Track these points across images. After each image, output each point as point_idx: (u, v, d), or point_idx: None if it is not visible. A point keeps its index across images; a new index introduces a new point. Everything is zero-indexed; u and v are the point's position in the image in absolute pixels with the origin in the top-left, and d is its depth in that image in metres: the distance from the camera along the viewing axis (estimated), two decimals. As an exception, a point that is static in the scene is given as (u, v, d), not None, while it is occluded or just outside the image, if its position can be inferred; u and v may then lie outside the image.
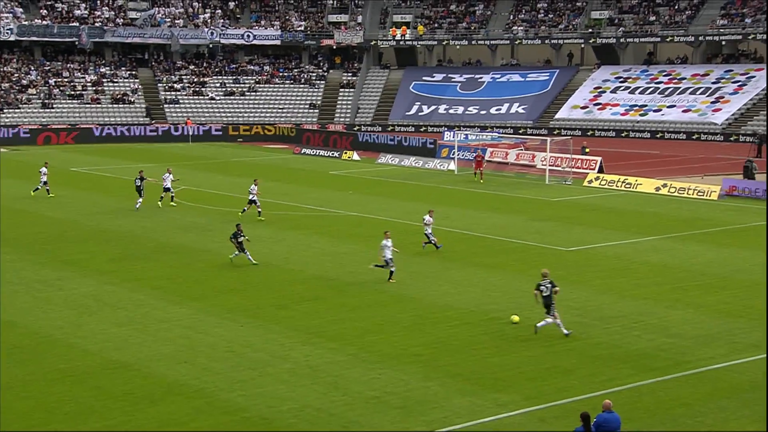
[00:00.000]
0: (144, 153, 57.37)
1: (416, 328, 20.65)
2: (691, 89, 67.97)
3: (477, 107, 72.91)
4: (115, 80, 74.42)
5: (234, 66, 79.14)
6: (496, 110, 72.29)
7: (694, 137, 63.38)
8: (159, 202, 36.90)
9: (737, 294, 23.48)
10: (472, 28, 78.29)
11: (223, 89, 76.16)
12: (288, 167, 51.80)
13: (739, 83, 66.78)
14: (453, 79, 76.78)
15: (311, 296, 23.43)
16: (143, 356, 18.71)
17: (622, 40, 72.81)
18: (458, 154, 51.77)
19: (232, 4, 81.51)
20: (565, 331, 19.82)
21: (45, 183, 39.18)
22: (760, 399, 16.38)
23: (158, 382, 17.22)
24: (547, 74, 75.03)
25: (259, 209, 34.41)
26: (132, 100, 72.94)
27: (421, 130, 71.17)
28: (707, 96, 66.68)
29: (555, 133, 66.00)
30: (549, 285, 19.75)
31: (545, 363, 18.27)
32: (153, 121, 70.25)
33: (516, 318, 20.81)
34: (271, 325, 20.94)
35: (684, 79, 69.61)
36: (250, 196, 34.42)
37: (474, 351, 19.03)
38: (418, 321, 21.23)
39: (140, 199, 36.31)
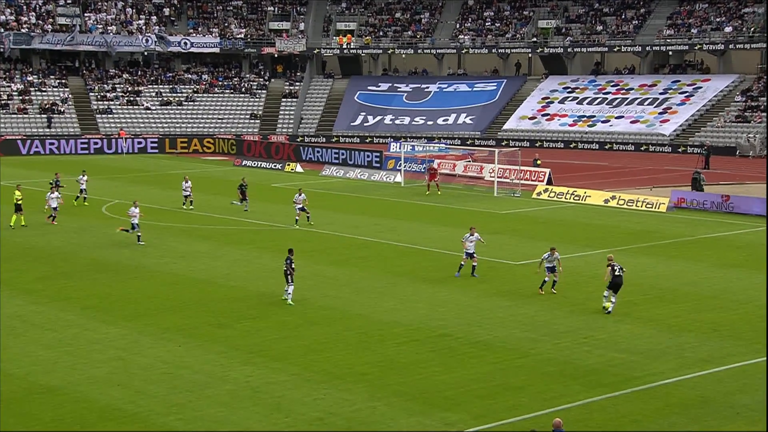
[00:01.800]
0: (76, 165, 56.30)
1: (362, 346, 20.62)
2: (639, 100, 69.49)
3: (423, 117, 73.40)
4: (44, 89, 73.01)
5: (170, 75, 78.37)
6: (443, 121, 72.88)
7: (642, 148, 64.76)
8: (74, 201, 38.57)
9: (686, 307, 23.99)
10: (418, 36, 78.95)
11: (159, 99, 75.33)
12: (228, 180, 51.38)
13: (687, 94, 68.53)
14: (399, 89, 77.22)
15: (252, 314, 23.23)
16: (73, 380, 18.31)
17: (569, 49, 74.17)
18: (405, 166, 52.02)
19: (167, 10, 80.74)
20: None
21: None
22: (710, 414, 16.74)
23: (90, 407, 16.86)
24: (495, 84, 75.99)
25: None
26: (62, 109, 71.63)
27: (367, 141, 71.34)
28: (655, 107, 68.25)
29: (503, 144, 66.79)
30: (619, 268, 23.05)
31: (494, 380, 18.40)
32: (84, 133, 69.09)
33: (608, 305, 22.90)
34: (210, 344, 20.69)
35: (632, 89, 71.15)
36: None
37: (421, 369, 19.07)
38: (363, 338, 21.20)
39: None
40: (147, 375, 18.60)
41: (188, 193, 39.73)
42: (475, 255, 27.26)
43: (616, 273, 23.29)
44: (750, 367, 19.24)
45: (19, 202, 34.91)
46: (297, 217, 35.97)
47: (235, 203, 39.40)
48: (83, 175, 40.50)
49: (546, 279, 25.39)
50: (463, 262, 27.28)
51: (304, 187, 43.56)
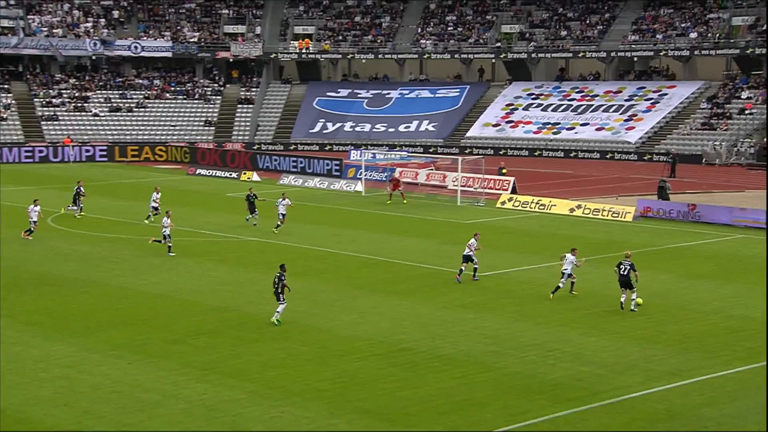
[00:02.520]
0: (19, 175, 55.48)
1: (321, 362, 20.57)
2: (604, 107, 70.40)
3: (385, 125, 73.60)
4: (-15, 94, 71.96)
5: (120, 80, 77.65)
6: (405, 128, 73.15)
7: (608, 156, 65.60)
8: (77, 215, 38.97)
9: (653, 319, 24.31)
10: (379, 41, 79.23)
11: (109, 105, 74.57)
12: (181, 189, 50.98)
13: (652, 101, 69.61)
14: (359, 95, 77.37)
15: (207, 329, 23.06)
16: (17, 400, 18.00)
17: (533, 55, 74.96)
18: (365, 175, 52.08)
19: (116, 13, 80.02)
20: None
21: None
22: (677, 429, 16.96)
23: (34, 428, 16.60)
24: (458, 90, 76.49)
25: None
26: (4, 116, 70.54)
27: (326, 148, 71.33)
28: (620, 114, 69.19)
29: (466, 152, 67.21)
30: (628, 266, 24.52)
31: (458, 395, 18.46)
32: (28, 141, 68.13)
33: (640, 300, 24.48)
34: (162, 361, 20.49)
35: (597, 96, 72.07)
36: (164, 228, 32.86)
37: (383, 385, 19.07)
38: (322, 353, 21.15)
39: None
40: (95, 394, 18.35)
41: (157, 205, 38.65)
42: (475, 259, 28.21)
43: (622, 272, 24.71)
44: (717, 380, 19.56)
45: None
46: (279, 223, 36.31)
47: (252, 218, 37.67)
48: (78, 186, 40.21)
49: (560, 285, 26.09)
50: (463, 267, 28.23)
51: (259, 197, 43.36)
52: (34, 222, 34.97)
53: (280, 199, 37.09)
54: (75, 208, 39.57)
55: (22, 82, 75.01)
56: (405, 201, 44.64)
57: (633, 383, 19.26)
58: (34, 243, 34.29)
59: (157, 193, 39.59)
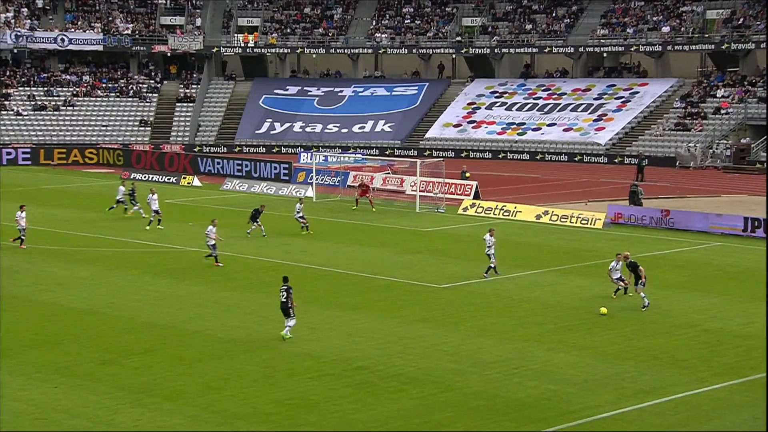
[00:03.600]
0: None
1: (268, 382, 20.48)
2: (572, 105, 71.18)
3: (337, 125, 73.60)
4: None
5: (45, 75, 76.60)
6: (360, 128, 73.22)
7: (576, 159, 66.30)
8: (147, 226, 39.62)
9: (625, 333, 24.59)
10: (330, 34, 79.25)
11: (32, 103, 73.52)
12: (114, 195, 50.39)
13: (623, 99, 70.55)
14: (309, 93, 77.28)
15: (143, 348, 22.83)
16: (-70, 429, 17.64)
17: (496, 50, 75.57)
18: (317, 179, 52.02)
19: (41, 2, 78.94)
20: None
21: None
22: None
23: (-50, 460, 16.27)
24: (416, 88, 76.80)
25: (215, 255, 32.45)
26: None
27: (274, 151, 71.11)
28: (589, 113, 70.01)
29: (426, 154, 67.45)
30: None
31: (417, 417, 18.50)
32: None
33: (604, 310, 25.29)
34: (93, 384, 20.24)
35: (564, 94, 72.84)
36: (209, 241, 32.45)
37: (336, 406, 19.05)
38: (269, 373, 21.07)
39: None
40: (17, 421, 18.06)
41: (156, 207, 39.89)
42: (493, 255, 30.11)
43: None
44: (693, 398, 19.84)
45: None
46: (305, 225, 38.38)
47: (258, 226, 37.46)
48: (153, 194, 40.53)
49: (619, 287, 27.56)
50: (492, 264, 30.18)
51: (201, 204, 43.07)
52: (23, 229, 34.63)
53: (298, 204, 39.33)
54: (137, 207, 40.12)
55: (-64, 77, 73.67)
56: (374, 209, 44.71)
57: (604, 402, 19.47)
58: (-51, 255, 33.64)
59: (153, 194, 40.54)
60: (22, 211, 35.11)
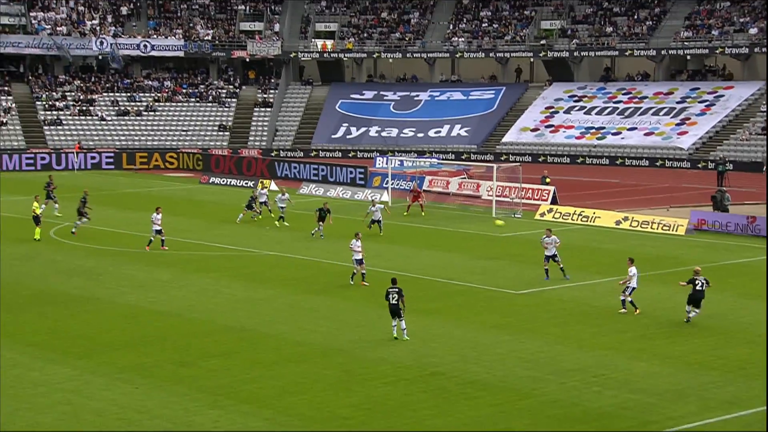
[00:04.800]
0: (20, 184, 56.10)
1: (344, 387, 20.56)
2: (654, 109, 70.01)
3: (413, 129, 73.66)
4: (-15, 97, 72.95)
5: (128, 81, 78.41)
6: (435, 133, 73.15)
7: (657, 164, 65.18)
8: (276, 222, 41.46)
9: (709, 342, 24.07)
10: (407, 39, 79.40)
11: (116, 108, 75.31)
12: (193, 199, 51.33)
13: (707, 103, 69.11)
14: (385, 97, 77.53)
15: (220, 351, 23.14)
16: (16, 427, 18.13)
17: (576, 53, 74.75)
18: (392, 183, 52.11)
19: (125, 9, 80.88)
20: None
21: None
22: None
23: (34, 457, 16.70)
24: (493, 92, 76.42)
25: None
26: (4, 120, 71.45)
27: (350, 155, 71.50)
28: (672, 117, 68.77)
29: (502, 159, 67.05)
30: (704, 281, 25.36)
31: (493, 425, 18.36)
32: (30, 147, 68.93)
33: (500, 222, 22.99)
34: (172, 386, 20.57)
35: (645, 97, 71.69)
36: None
37: (411, 412, 19.01)
38: (345, 378, 21.14)
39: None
40: (100, 421, 18.43)
41: (264, 199, 43.23)
42: (557, 256, 30.58)
43: (697, 287, 25.22)
44: (780, 409, 19.29)
45: (37, 214, 37.88)
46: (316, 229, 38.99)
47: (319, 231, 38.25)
48: (283, 194, 42.26)
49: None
50: (547, 267, 30.51)
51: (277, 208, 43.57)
52: (159, 230, 35.78)
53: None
54: (85, 220, 39.89)
55: (24, 84, 75.93)
56: (423, 214, 44.69)
57: (687, 413, 19.05)
58: (35, 258, 34.63)
59: (263, 188, 44.03)
60: (158, 213, 35.92)
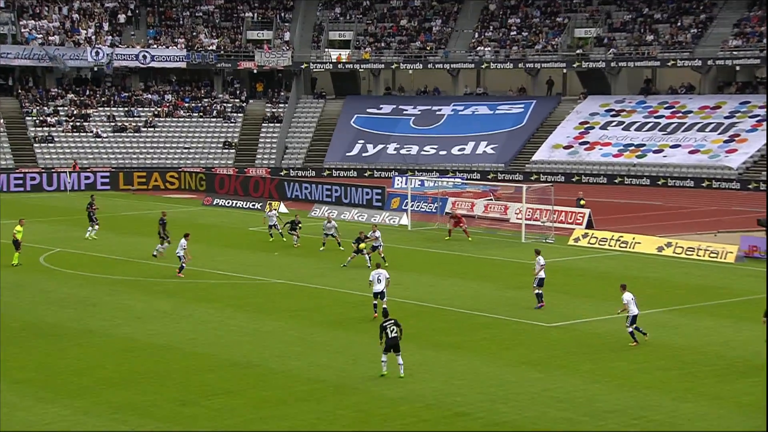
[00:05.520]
0: (8, 206, 56.47)
1: (360, 428, 20.50)
2: (700, 125, 69.88)
3: (435, 146, 73.81)
4: (-30, 112, 73.66)
5: (126, 94, 79.02)
6: (459, 150, 73.26)
7: (704, 184, 65.00)
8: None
9: (762, 382, 23.87)
10: (429, 48, 79.72)
11: (112, 124, 75.87)
12: (195, 222, 51.47)
13: (758, 118, 68.90)
14: (405, 112, 77.78)
15: (224, 388, 23.14)
16: (2, 471, 18.16)
17: (613, 64, 74.78)
18: (412, 206, 52.15)
19: (122, 17, 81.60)
20: None
21: None
22: None
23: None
24: (522, 106, 76.53)
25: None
26: (-7, 136, 72.11)
27: (366, 174, 71.69)
28: (719, 134, 68.60)
29: (532, 179, 67.05)
30: None
31: (524, 471, 18.25)
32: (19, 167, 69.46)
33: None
34: (172, 426, 20.58)
35: (690, 112, 71.59)
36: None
37: (434, 457, 18.94)
38: (362, 419, 21.09)
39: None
40: (93, 464, 18.45)
41: (274, 222, 44.25)
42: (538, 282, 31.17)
43: None
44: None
45: (18, 239, 38.41)
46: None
47: (363, 254, 38.23)
48: (329, 222, 43.13)
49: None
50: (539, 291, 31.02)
51: (287, 232, 43.61)
52: (181, 257, 36.39)
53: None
54: (166, 245, 40.98)
55: (13, 97, 76.62)
56: (470, 239, 44.73)
57: (737, 459, 18.89)
58: (24, 286, 34.80)
59: (271, 211, 45.27)
60: (186, 240, 36.56)
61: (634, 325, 26.85)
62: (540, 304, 31.04)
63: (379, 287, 29.52)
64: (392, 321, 23.88)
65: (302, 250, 41.85)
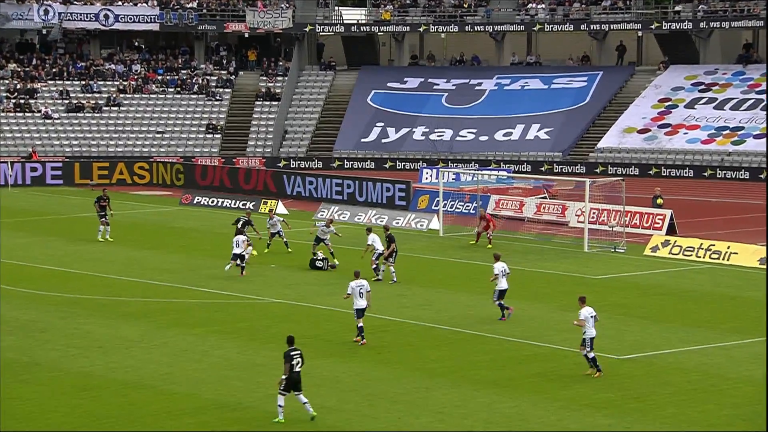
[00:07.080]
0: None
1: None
2: (813, 103, 69.55)
3: (474, 130, 73.75)
4: None
5: (83, 65, 79.23)
6: (505, 135, 73.18)
7: (817, 178, 64.70)
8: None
9: None
10: (466, 5, 79.61)
11: (65, 102, 76.13)
12: (171, 226, 51.58)
13: None
14: (436, 87, 77.76)
15: (207, 436, 23.23)
16: None
17: (702, 24, 74.42)
18: (445, 205, 52.11)
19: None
20: None
21: None
22: None
23: None
24: (585, 78, 76.36)
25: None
26: None
27: (386, 166, 71.70)
28: (837, 113, 68.23)
29: (597, 171, 66.88)
30: None
31: None
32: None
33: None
34: (141, 484, 20.66)
35: (801, 86, 71.23)
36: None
37: None
38: (381, 476, 21.11)
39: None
40: None
41: (278, 229, 44.59)
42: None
43: None
44: None
45: None
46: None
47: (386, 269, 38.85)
48: (328, 226, 43.47)
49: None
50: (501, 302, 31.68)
51: (286, 238, 43.71)
52: None
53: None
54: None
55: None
56: (489, 246, 44.64)
57: None
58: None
59: (272, 219, 45.03)
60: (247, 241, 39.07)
61: (590, 353, 26.92)
62: (503, 315, 32.31)
63: (361, 303, 29.84)
64: (297, 352, 23.80)
65: (303, 262, 41.85)
